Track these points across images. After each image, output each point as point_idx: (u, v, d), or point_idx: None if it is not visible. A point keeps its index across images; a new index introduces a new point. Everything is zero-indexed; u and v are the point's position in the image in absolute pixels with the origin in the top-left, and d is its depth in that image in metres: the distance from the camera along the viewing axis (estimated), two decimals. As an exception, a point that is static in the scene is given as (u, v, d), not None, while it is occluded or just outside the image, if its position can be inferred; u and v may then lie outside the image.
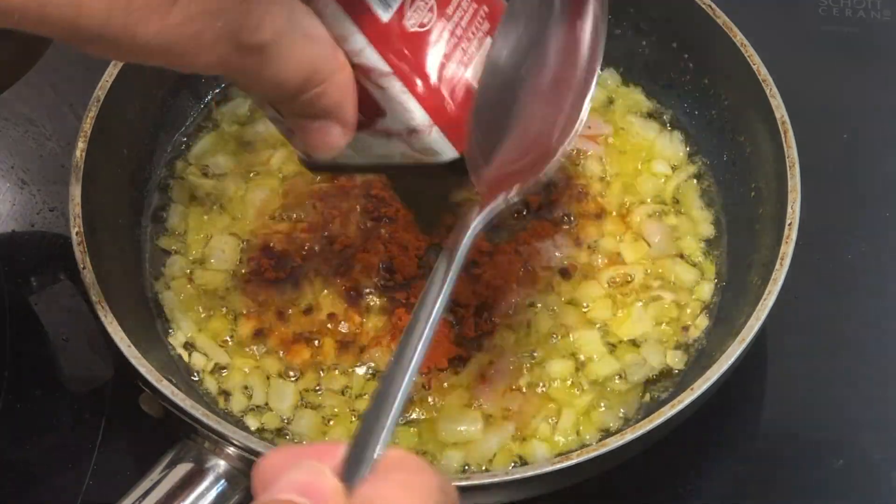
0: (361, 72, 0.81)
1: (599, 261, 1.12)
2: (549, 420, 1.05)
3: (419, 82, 0.83)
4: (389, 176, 1.03)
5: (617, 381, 1.07)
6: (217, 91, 1.24)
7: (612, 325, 1.09)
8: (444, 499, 0.65)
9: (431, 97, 0.83)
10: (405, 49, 0.82)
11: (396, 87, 0.82)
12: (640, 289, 1.11)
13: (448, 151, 0.86)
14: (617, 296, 1.11)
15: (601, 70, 0.94)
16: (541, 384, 1.06)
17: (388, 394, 0.70)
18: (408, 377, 0.71)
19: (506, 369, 1.06)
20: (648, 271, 1.12)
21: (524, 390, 1.06)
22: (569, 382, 1.06)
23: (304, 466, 0.64)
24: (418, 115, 0.83)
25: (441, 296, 0.75)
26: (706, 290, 1.11)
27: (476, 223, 0.81)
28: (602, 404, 1.06)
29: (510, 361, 1.07)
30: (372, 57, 0.81)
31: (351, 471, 0.64)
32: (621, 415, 1.05)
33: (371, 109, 0.84)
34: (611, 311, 1.10)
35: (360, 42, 0.80)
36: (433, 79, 0.83)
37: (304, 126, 0.84)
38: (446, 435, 1.04)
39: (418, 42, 0.83)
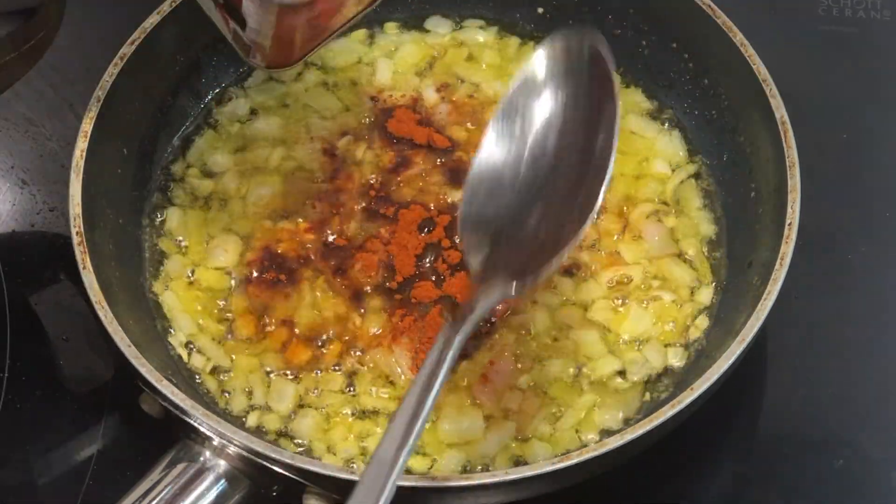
0: None
1: (599, 261, 1.12)
2: (549, 420, 1.05)
3: None
4: None
5: (617, 381, 1.06)
6: (217, 91, 1.24)
7: (611, 325, 1.09)
8: None
9: None
10: None
11: None
12: (640, 289, 1.11)
13: None
14: (617, 296, 1.11)
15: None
16: (541, 384, 1.06)
17: (374, 482, 0.70)
18: (397, 468, 0.72)
19: (506, 369, 1.06)
20: (648, 271, 1.12)
21: (524, 390, 1.06)
22: (569, 382, 1.06)
23: None
24: None
25: (432, 391, 0.77)
26: (706, 290, 1.11)
27: (472, 319, 0.84)
28: (602, 404, 1.06)
29: (510, 361, 1.07)
30: None
31: None
32: (621, 415, 1.05)
33: None
34: (611, 310, 1.10)
35: None
36: None
37: None
38: (446, 435, 1.04)
39: None
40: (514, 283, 0.86)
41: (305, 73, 1.25)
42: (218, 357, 1.08)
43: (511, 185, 0.91)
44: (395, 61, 1.25)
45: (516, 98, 0.92)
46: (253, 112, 1.22)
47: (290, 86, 1.24)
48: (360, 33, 1.27)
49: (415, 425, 0.75)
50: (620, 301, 1.10)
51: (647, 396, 1.06)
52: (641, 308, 1.10)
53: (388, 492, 0.69)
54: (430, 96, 1.22)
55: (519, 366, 1.07)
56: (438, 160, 1.18)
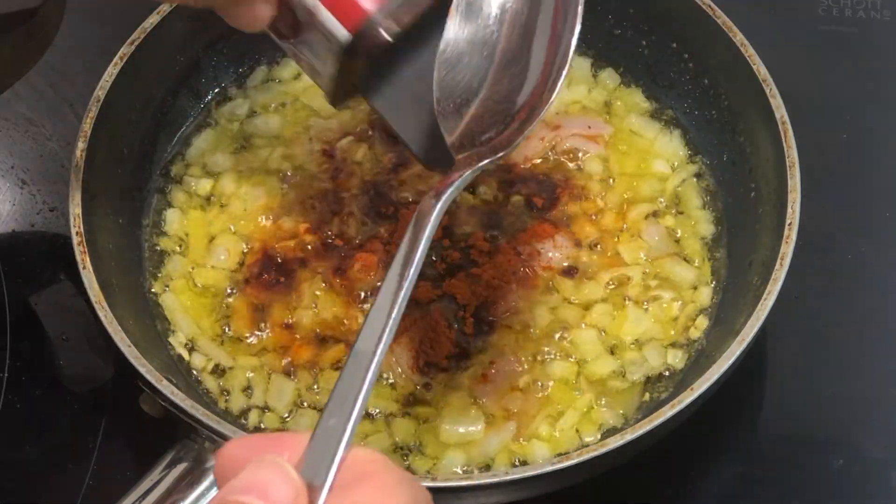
0: None
1: (599, 261, 1.12)
2: (549, 420, 1.05)
3: None
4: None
5: (617, 381, 1.07)
6: (217, 91, 1.24)
7: (611, 325, 1.09)
8: None
9: None
10: None
11: None
12: (640, 289, 1.11)
13: (338, 30, 0.91)
14: (616, 296, 1.11)
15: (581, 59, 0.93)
16: (541, 384, 1.06)
17: (354, 376, 0.65)
18: (376, 359, 0.66)
19: (506, 369, 1.06)
20: (648, 271, 1.12)
21: (524, 390, 1.06)
22: (569, 382, 1.06)
23: (266, 463, 0.61)
24: None
25: (411, 267, 0.72)
26: (706, 290, 1.11)
27: (449, 192, 0.79)
28: (602, 404, 1.06)
29: (510, 361, 1.07)
30: None
31: (313, 468, 0.61)
32: (621, 415, 1.05)
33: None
34: (611, 310, 1.10)
35: None
36: None
37: (234, 9, 0.93)
38: (447, 435, 1.04)
39: None
40: (491, 151, 0.84)
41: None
42: (218, 357, 1.08)
43: (481, 51, 0.89)
44: (395, 61, 1.25)
45: None
46: (253, 112, 1.22)
47: (290, 86, 1.24)
48: (360, 33, 1.27)
49: (392, 311, 0.70)
50: (620, 301, 1.10)
51: (647, 396, 1.06)
52: (641, 308, 1.10)
53: (367, 384, 0.66)
54: (430, 96, 1.22)
55: (519, 366, 1.07)
56: (438, 160, 1.18)
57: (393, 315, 0.69)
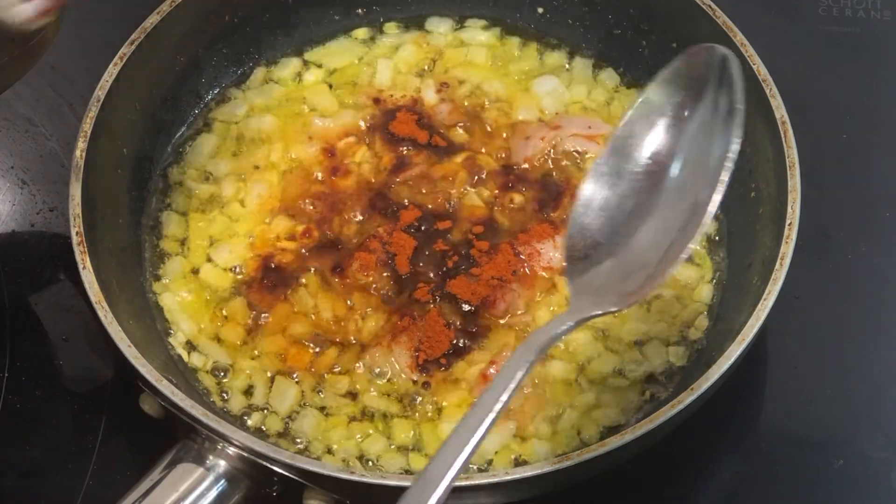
0: None
1: (599, 261, 1.12)
2: (549, 420, 1.05)
3: None
4: None
5: (617, 379, 1.06)
6: (217, 91, 1.24)
7: (612, 325, 1.09)
8: None
9: None
10: None
11: None
12: (640, 289, 1.11)
13: None
14: (617, 296, 1.11)
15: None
16: (541, 384, 1.06)
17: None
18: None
19: (506, 369, 1.06)
20: (648, 271, 1.12)
21: (524, 390, 1.06)
22: (569, 382, 1.06)
23: None
24: None
25: (507, 391, 0.78)
26: (706, 290, 1.11)
27: (559, 332, 0.83)
28: (602, 404, 1.06)
29: (510, 361, 1.07)
30: None
31: None
32: (621, 414, 1.05)
33: None
34: (611, 311, 1.10)
35: None
36: None
37: None
38: (447, 435, 1.03)
39: None
40: (609, 300, 0.86)
41: (305, 73, 1.25)
42: (218, 357, 1.08)
43: (619, 206, 0.90)
44: (395, 61, 1.25)
45: (635, 119, 0.91)
46: (252, 112, 1.22)
47: (290, 86, 1.24)
48: (361, 33, 1.27)
49: (469, 442, 0.77)
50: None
51: (647, 396, 1.06)
52: (642, 308, 1.10)
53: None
54: (430, 96, 1.22)
55: (519, 366, 1.07)
56: (438, 161, 1.18)
57: (469, 447, 0.77)
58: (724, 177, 0.82)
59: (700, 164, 0.86)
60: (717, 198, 0.82)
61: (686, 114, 0.89)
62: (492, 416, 0.77)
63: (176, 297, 1.11)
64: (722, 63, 0.86)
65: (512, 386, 0.79)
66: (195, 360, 1.09)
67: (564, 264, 0.90)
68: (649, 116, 0.90)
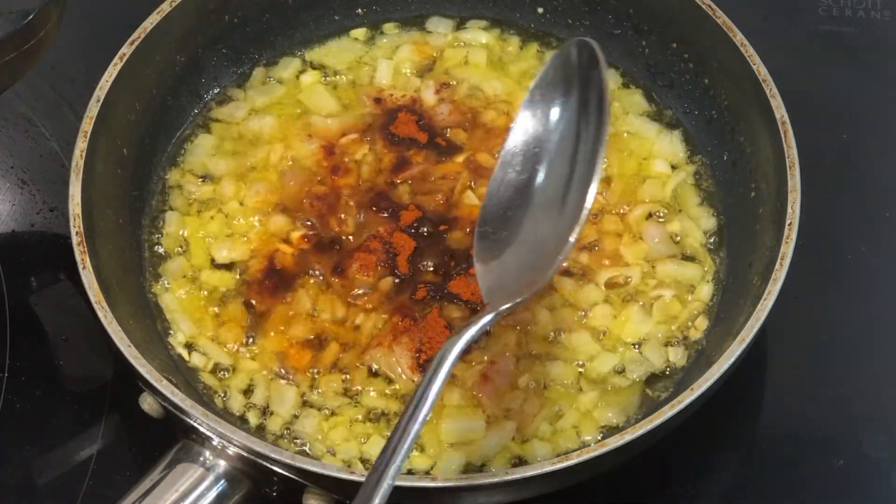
0: None
1: (599, 261, 1.12)
2: (549, 420, 1.05)
3: None
4: None
5: (617, 379, 1.06)
6: (217, 91, 1.24)
7: (612, 326, 1.09)
8: None
9: None
10: None
11: None
12: (640, 289, 1.11)
13: None
14: (617, 296, 1.11)
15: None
16: (541, 384, 1.06)
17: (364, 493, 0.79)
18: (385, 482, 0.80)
19: (506, 369, 1.06)
20: (648, 271, 1.12)
21: (524, 390, 1.06)
22: (569, 382, 1.06)
23: None
24: None
25: (425, 402, 0.83)
26: (706, 290, 1.11)
27: (470, 336, 0.87)
28: (602, 403, 1.06)
29: (510, 361, 1.07)
30: None
31: None
32: (621, 414, 1.05)
33: None
34: (611, 311, 1.10)
35: None
36: None
37: None
38: (447, 435, 1.04)
39: None
40: (518, 292, 0.90)
41: (305, 73, 1.25)
42: (218, 357, 1.08)
43: (513, 204, 0.96)
44: (395, 61, 1.25)
45: (519, 123, 0.97)
46: (252, 112, 1.22)
47: (290, 86, 1.24)
48: (360, 33, 1.27)
49: (408, 434, 0.82)
50: (621, 302, 1.10)
51: (647, 396, 1.06)
52: (642, 309, 1.10)
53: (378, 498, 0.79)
54: (430, 97, 1.22)
55: (519, 366, 1.07)
56: (438, 160, 1.18)
57: (409, 438, 0.81)
58: (598, 164, 0.88)
59: (578, 154, 0.91)
60: (594, 186, 0.87)
61: (559, 110, 0.95)
62: (425, 408, 0.83)
63: (176, 297, 1.11)
64: (587, 55, 0.91)
65: (433, 391, 0.84)
66: (195, 359, 1.09)
67: (476, 264, 0.95)
68: (533, 116, 0.96)
